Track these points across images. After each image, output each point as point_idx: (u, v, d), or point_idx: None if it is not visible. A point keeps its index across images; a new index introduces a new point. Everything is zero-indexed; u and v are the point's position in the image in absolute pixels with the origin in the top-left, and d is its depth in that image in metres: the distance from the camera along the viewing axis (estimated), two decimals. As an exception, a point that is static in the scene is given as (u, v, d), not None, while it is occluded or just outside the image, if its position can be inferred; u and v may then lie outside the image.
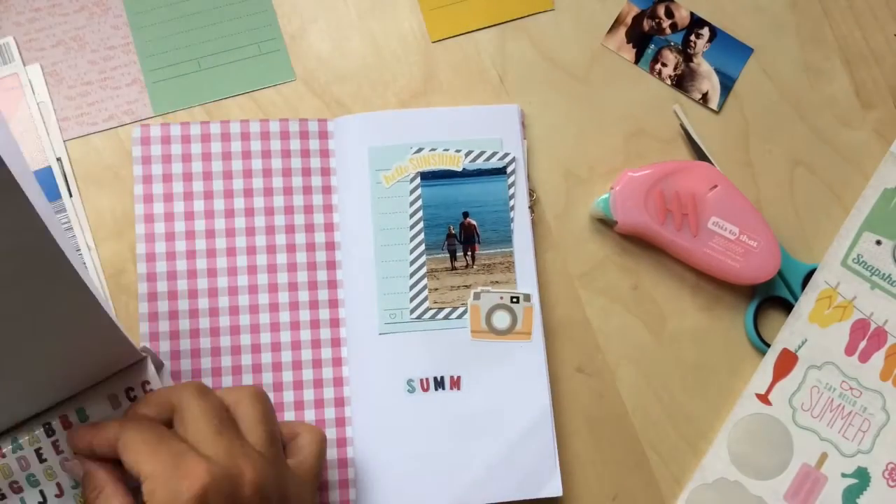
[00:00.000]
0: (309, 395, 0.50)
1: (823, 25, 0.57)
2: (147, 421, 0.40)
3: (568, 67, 0.56)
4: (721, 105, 0.56)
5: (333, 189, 0.53)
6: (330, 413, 0.50)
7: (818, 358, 0.53)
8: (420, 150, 0.53)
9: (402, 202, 0.52)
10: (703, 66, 0.56)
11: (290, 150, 0.52)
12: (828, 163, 0.56)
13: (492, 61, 0.55)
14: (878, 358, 0.53)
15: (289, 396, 0.50)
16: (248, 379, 0.50)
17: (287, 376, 0.50)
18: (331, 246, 0.52)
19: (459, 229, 0.52)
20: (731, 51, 0.56)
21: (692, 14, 0.57)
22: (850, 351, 0.53)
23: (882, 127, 0.56)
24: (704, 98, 0.56)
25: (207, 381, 0.50)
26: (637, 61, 0.56)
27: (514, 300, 0.52)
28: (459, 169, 0.53)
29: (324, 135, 0.53)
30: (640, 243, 0.54)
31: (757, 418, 0.52)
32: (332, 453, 0.50)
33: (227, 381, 0.50)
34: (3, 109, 0.51)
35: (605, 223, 0.54)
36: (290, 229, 0.51)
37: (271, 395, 0.49)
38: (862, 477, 0.52)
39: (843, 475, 0.52)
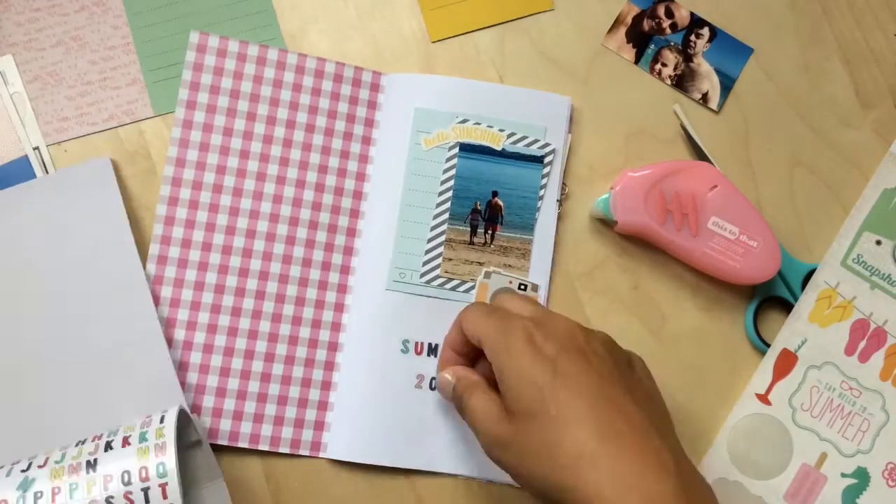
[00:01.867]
0: (305, 332, 0.51)
1: (823, 25, 0.57)
2: (478, 302, 0.50)
3: (568, 67, 0.56)
4: (721, 105, 0.56)
5: (372, 141, 0.54)
6: (321, 355, 0.51)
7: (818, 358, 0.53)
8: (465, 121, 0.53)
9: (436, 167, 0.53)
10: (703, 66, 0.56)
11: (340, 94, 0.53)
12: (828, 163, 0.56)
13: (492, 61, 0.55)
14: (878, 358, 0.53)
15: (285, 329, 0.51)
16: (249, 303, 0.51)
17: (288, 310, 0.51)
18: (358, 195, 0.53)
19: (485, 207, 0.53)
20: (731, 51, 0.56)
21: (692, 14, 0.57)
22: (849, 351, 0.53)
23: (882, 127, 0.56)
24: (704, 98, 0.56)
25: (209, 295, 0.51)
26: (637, 61, 0.56)
27: (522, 287, 0.52)
28: (499, 148, 0.53)
29: (375, 87, 0.54)
30: (640, 243, 0.54)
31: (757, 418, 0.52)
32: (314, 394, 0.51)
33: (228, 299, 0.51)
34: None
35: (605, 223, 0.54)
36: (322, 169, 0.52)
37: (268, 325, 0.51)
38: (861, 477, 0.52)
39: (843, 475, 0.52)
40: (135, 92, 0.53)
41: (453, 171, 0.53)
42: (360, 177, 0.53)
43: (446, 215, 0.53)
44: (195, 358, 0.50)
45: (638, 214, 0.51)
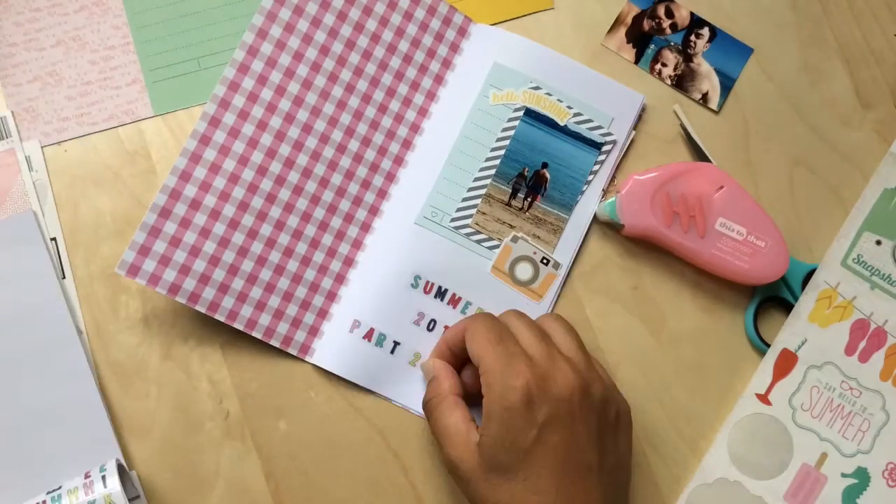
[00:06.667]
0: (328, 240, 0.52)
1: (823, 25, 0.57)
2: (491, 318, 0.47)
3: (568, 67, 0.56)
4: (721, 105, 0.56)
5: (444, 82, 0.55)
6: (336, 266, 0.52)
7: (818, 358, 0.53)
8: (537, 88, 0.54)
9: (496, 123, 0.54)
10: (703, 66, 0.56)
11: (428, 27, 0.54)
12: (828, 163, 0.56)
13: (492, 61, 0.55)
14: (878, 358, 0.53)
15: (311, 231, 0.52)
16: (285, 194, 0.51)
17: (319, 213, 0.52)
18: (415, 128, 0.54)
19: (532, 175, 0.54)
20: (731, 51, 0.56)
21: (692, 14, 0.57)
22: (850, 351, 0.53)
23: (882, 127, 0.56)
24: (704, 98, 0.56)
25: (250, 172, 0.50)
26: (637, 61, 0.56)
27: (545, 261, 0.53)
28: (562, 123, 0.54)
29: (462, 31, 0.55)
30: (640, 244, 0.54)
31: (757, 418, 0.52)
32: (318, 300, 0.52)
33: (266, 183, 0.50)
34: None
35: (612, 227, 0.54)
36: (390, 92, 0.53)
37: (296, 220, 0.51)
38: (862, 477, 0.52)
39: (843, 475, 0.52)
40: (135, 92, 0.53)
41: (511, 133, 0.54)
42: (423, 112, 0.54)
43: (492, 171, 0.53)
44: (218, 229, 0.50)
45: (645, 217, 0.51)
